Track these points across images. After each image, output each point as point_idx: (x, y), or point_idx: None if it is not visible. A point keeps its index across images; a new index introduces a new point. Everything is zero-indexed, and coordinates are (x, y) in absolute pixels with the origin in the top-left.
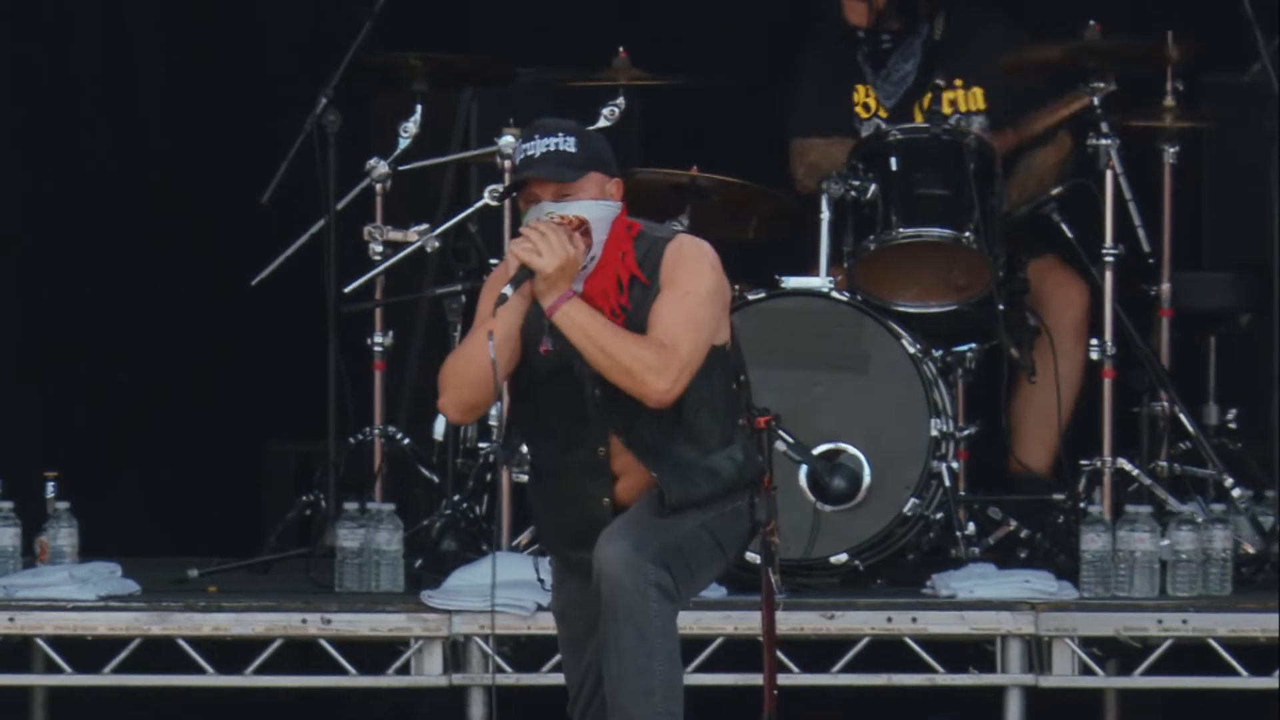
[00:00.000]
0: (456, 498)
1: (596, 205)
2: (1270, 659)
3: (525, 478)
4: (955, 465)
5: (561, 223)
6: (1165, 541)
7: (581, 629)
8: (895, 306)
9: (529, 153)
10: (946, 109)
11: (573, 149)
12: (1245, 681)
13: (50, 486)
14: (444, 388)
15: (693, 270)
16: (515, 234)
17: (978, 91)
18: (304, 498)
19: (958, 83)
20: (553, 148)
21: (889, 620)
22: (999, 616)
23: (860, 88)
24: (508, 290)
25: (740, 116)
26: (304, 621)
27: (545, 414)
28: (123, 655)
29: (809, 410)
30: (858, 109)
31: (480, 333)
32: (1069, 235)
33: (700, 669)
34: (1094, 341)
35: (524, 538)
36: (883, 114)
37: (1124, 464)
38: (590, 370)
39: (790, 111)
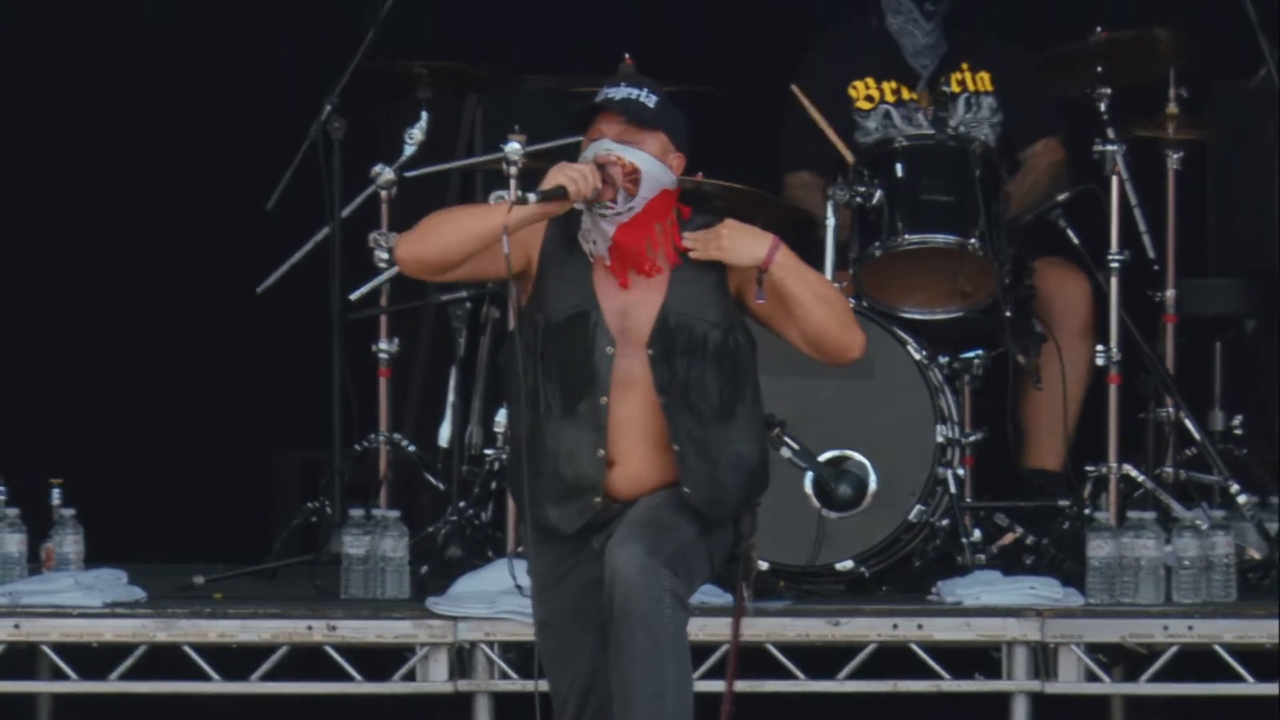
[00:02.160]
0: (462, 504)
1: (653, 162)
2: (1275, 665)
3: None
4: (961, 472)
5: (616, 162)
6: (1170, 547)
7: (569, 637)
8: (901, 313)
9: (609, 94)
10: (955, 88)
11: (651, 104)
12: (1251, 688)
13: (56, 493)
14: (416, 230)
15: None
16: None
17: (985, 75)
18: (309, 504)
19: (964, 65)
20: (633, 96)
21: (894, 627)
22: (1005, 623)
23: (858, 83)
24: (532, 196)
25: (745, 123)
26: (309, 628)
27: (552, 363)
28: (129, 662)
29: (815, 416)
30: (860, 104)
31: (497, 212)
32: (1075, 241)
33: (707, 675)
34: (1100, 348)
35: None
36: (890, 98)
37: (1129, 470)
38: (604, 322)
39: (781, 145)
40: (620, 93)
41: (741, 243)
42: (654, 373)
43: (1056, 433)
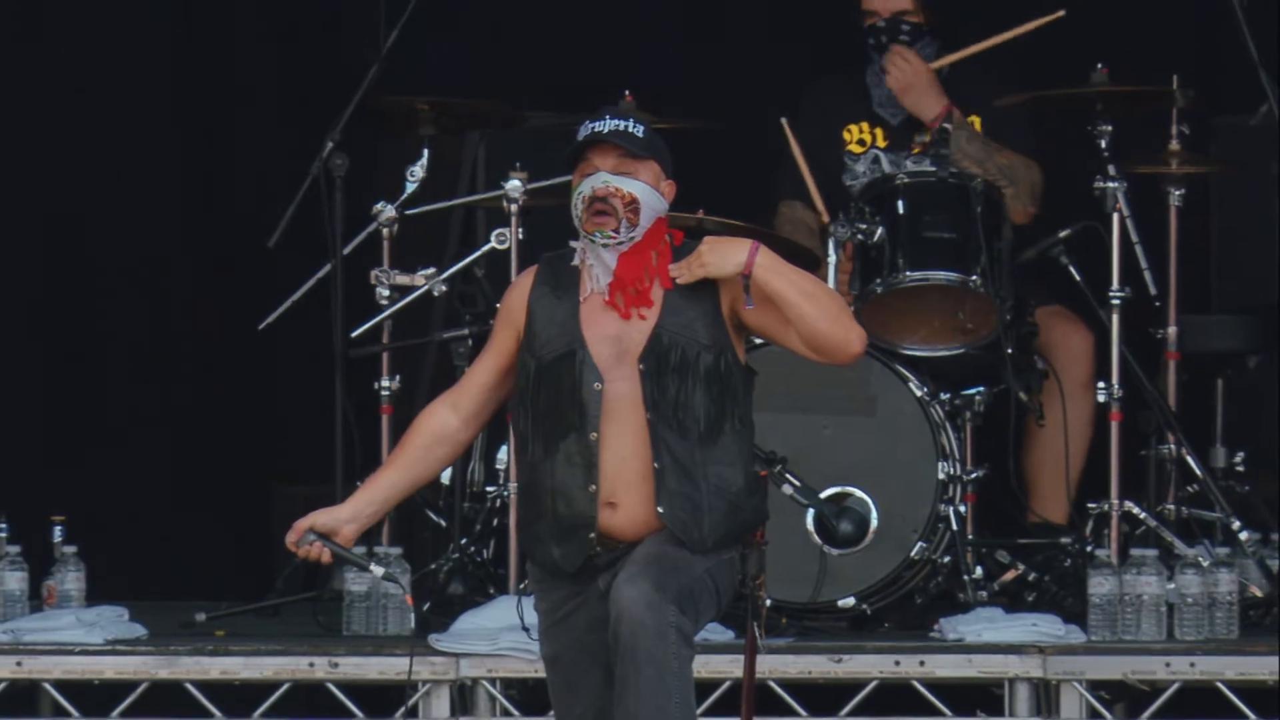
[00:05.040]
0: (463, 541)
1: (649, 191)
2: (1277, 702)
3: None
4: (963, 508)
5: (615, 194)
6: (1172, 584)
7: (577, 673)
8: (903, 350)
9: (596, 128)
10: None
11: (640, 134)
12: None
13: (57, 531)
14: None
15: None
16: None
17: (975, 119)
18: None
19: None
20: (621, 128)
21: (897, 663)
22: (1007, 660)
23: (853, 127)
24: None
25: (746, 159)
26: (311, 665)
27: (542, 403)
28: (130, 699)
29: (816, 453)
30: (850, 147)
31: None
32: (1077, 278)
33: (709, 712)
34: (1101, 384)
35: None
36: (882, 143)
37: (1131, 507)
38: (591, 359)
39: (776, 175)
40: (609, 125)
41: (722, 254)
42: (644, 389)
43: (1060, 484)
